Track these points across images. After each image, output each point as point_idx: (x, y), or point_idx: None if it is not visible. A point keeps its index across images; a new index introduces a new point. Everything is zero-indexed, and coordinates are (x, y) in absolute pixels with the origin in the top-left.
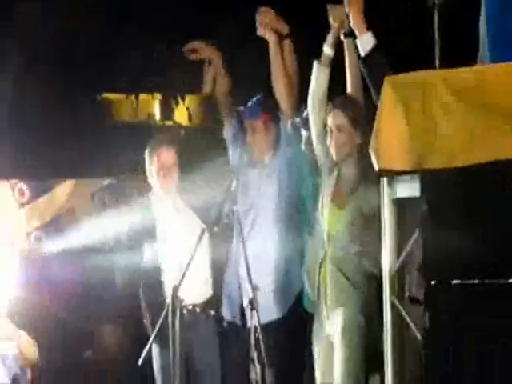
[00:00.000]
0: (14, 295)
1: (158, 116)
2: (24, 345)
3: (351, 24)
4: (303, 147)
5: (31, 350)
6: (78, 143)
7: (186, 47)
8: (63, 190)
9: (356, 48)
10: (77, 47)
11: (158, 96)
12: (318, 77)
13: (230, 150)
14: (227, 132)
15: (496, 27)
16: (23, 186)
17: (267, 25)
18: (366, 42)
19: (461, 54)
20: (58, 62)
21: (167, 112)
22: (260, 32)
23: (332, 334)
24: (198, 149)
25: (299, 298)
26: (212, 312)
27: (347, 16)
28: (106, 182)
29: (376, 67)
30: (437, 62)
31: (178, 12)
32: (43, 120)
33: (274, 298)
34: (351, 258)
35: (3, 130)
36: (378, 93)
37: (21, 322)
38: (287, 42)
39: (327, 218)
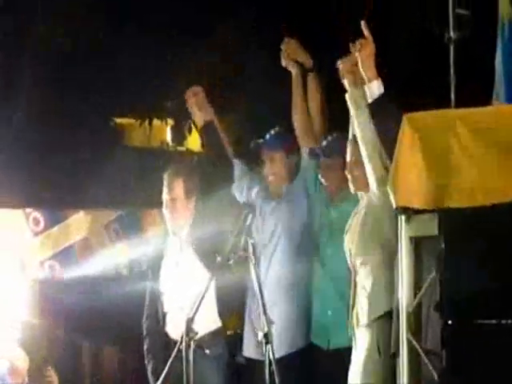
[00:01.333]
0: (26, 321)
1: (170, 142)
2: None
3: (360, 69)
4: (320, 177)
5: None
6: (92, 173)
7: (187, 92)
8: (77, 219)
9: None
10: (90, 72)
11: (171, 122)
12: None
13: (239, 187)
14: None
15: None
16: (38, 215)
17: (290, 56)
18: (373, 88)
19: (476, 90)
20: (72, 89)
21: (180, 138)
22: (284, 63)
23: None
24: (211, 178)
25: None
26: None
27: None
28: (121, 213)
29: (382, 114)
30: (452, 98)
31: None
32: (58, 149)
33: (288, 332)
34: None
35: (19, 159)
36: (385, 138)
37: (33, 346)
38: (311, 76)
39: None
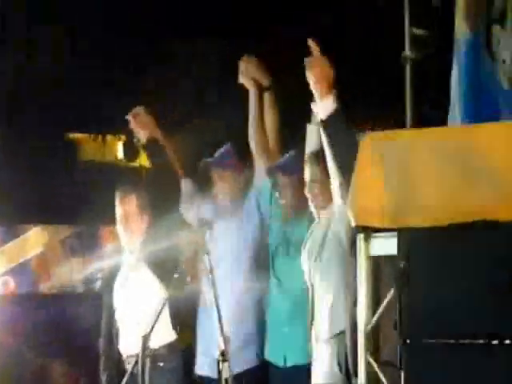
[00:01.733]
0: None
1: (123, 158)
2: None
3: (311, 86)
4: (277, 195)
5: None
6: (48, 188)
7: (129, 114)
8: (33, 235)
9: None
10: (45, 86)
11: (123, 138)
12: (310, 135)
13: (189, 206)
14: (184, 192)
15: (467, 86)
16: None
17: (248, 74)
18: (325, 106)
19: (432, 109)
20: (26, 103)
21: (132, 154)
22: (241, 80)
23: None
24: (162, 194)
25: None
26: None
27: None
28: (77, 229)
29: (335, 132)
30: (408, 118)
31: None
32: (13, 163)
33: (244, 349)
34: (324, 313)
35: None
36: (336, 156)
37: None
38: (268, 94)
39: (304, 269)
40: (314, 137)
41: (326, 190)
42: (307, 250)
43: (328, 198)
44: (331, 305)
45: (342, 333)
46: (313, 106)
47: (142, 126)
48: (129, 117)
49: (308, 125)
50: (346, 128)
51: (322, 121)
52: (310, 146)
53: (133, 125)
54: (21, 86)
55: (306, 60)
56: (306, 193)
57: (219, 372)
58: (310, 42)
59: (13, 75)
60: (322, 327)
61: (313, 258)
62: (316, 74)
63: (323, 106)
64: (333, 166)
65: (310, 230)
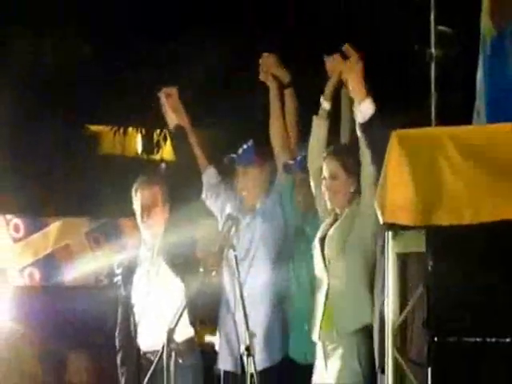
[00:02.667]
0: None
1: (143, 151)
2: None
3: (350, 91)
4: (295, 190)
5: None
6: (70, 181)
7: (161, 92)
8: (58, 227)
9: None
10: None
11: (143, 131)
12: (317, 130)
13: (212, 194)
14: (208, 181)
15: (493, 85)
16: (19, 221)
17: (269, 71)
18: (364, 109)
19: (457, 108)
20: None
21: (153, 147)
22: (261, 77)
23: (329, 381)
24: (183, 187)
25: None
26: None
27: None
28: (102, 220)
29: (374, 133)
30: (433, 116)
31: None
32: (37, 157)
33: (266, 346)
34: (345, 308)
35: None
36: (376, 158)
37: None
38: (288, 91)
39: (317, 266)
40: (321, 130)
41: (345, 186)
42: (328, 244)
43: (347, 195)
44: (352, 301)
45: (365, 328)
46: (321, 100)
47: (173, 109)
48: (161, 95)
49: (315, 117)
50: (384, 130)
51: (361, 124)
52: (316, 139)
53: (164, 105)
54: (41, 79)
55: (345, 65)
56: (323, 189)
57: (243, 367)
58: (347, 47)
59: (33, 68)
60: (342, 322)
61: (334, 252)
62: (354, 79)
63: (362, 110)
64: (368, 165)
65: (324, 225)
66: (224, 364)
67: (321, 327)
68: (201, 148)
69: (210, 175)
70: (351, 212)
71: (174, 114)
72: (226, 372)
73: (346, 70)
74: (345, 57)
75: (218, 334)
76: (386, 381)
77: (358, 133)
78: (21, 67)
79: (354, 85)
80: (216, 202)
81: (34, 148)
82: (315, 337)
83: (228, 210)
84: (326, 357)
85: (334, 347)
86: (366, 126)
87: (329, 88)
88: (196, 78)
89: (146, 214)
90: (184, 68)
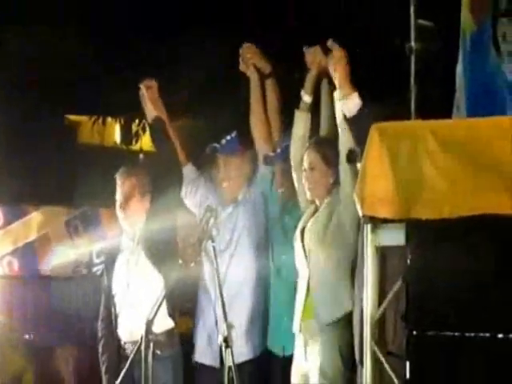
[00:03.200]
0: None
1: (122, 141)
2: None
3: (336, 86)
4: (274, 182)
5: None
6: (50, 170)
7: (142, 84)
8: (38, 216)
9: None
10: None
11: (122, 121)
12: (298, 123)
13: (190, 192)
14: (187, 177)
15: (473, 80)
16: None
17: (249, 61)
18: (351, 104)
19: (437, 102)
20: (27, 87)
21: (132, 137)
22: (242, 68)
23: (310, 373)
24: (162, 178)
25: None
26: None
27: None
28: (81, 209)
29: (361, 127)
30: (412, 109)
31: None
32: (16, 146)
33: (246, 338)
34: (325, 298)
35: None
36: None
37: None
38: (270, 81)
39: (298, 257)
40: (302, 123)
41: (325, 177)
42: (308, 235)
43: (327, 186)
44: (334, 290)
45: (345, 318)
46: (302, 93)
47: (152, 101)
48: (142, 86)
49: (296, 110)
50: (370, 123)
51: (347, 119)
52: (297, 132)
53: (144, 97)
54: (20, 67)
55: (329, 59)
56: (303, 180)
57: (222, 361)
58: (331, 42)
59: (13, 57)
60: (322, 313)
61: (313, 242)
62: (340, 74)
63: (349, 104)
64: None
65: (305, 215)
66: (201, 357)
67: (301, 318)
68: (180, 144)
69: (188, 171)
70: (330, 202)
71: (152, 106)
72: (202, 365)
73: (332, 66)
74: (325, 49)
75: (195, 325)
76: (365, 374)
77: (342, 126)
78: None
79: (341, 80)
80: (195, 197)
81: (13, 137)
82: (296, 328)
83: (207, 203)
84: (306, 347)
85: (314, 338)
86: (353, 120)
87: (309, 80)
88: (176, 65)
89: (124, 205)
90: (165, 56)
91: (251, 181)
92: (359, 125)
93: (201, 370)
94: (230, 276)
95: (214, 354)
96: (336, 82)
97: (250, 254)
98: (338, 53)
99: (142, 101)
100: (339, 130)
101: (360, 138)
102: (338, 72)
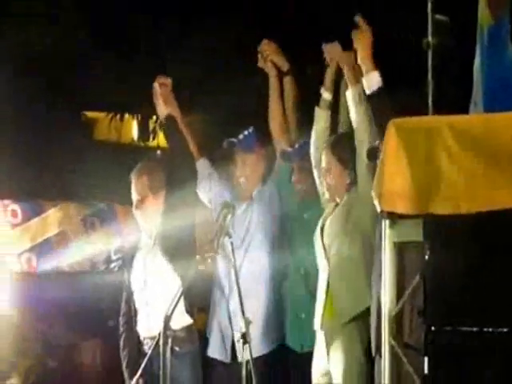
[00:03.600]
0: (2, 313)
1: (139, 137)
2: None
3: (359, 60)
4: (293, 179)
5: None
6: (68, 167)
7: (156, 81)
8: (55, 212)
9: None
10: (63, 68)
11: (139, 117)
12: (318, 119)
13: (205, 186)
14: (201, 173)
15: (490, 75)
16: (16, 207)
17: (268, 58)
18: (372, 80)
19: (454, 97)
20: (45, 84)
21: (149, 133)
22: (260, 64)
23: (332, 371)
24: (177, 174)
25: (283, 334)
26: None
27: (355, 53)
28: (98, 206)
29: (380, 106)
30: (430, 105)
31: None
32: (34, 143)
33: (260, 333)
34: (345, 294)
35: None
36: (380, 131)
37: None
38: (288, 78)
39: (318, 254)
40: (322, 120)
41: (341, 178)
42: (327, 232)
43: (344, 186)
44: (354, 285)
45: (365, 313)
46: (322, 90)
47: (164, 98)
48: (155, 83)
49: (316, 108)
50: (389, 105)
51: (368, 96)
52: (318, 129)
53: (157, 95)
54: (40, 65)
55: (354, 33)
56: (321, 181)
57: (233, 356)
58: (359, 18)
59: (32, 55)
60: (343, 309)
61: (332, 239)
62: (364, 48)
63: (370, 80)
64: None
65: (325, 213)
66: (213, 352)
67: (322, 315)
68: (193, 139)
69: (202, 167)
70: (349, 200)
71: (164, 103)
72: (215, 360)
73: (357, 38)
74: (343, 46)
75: (209, 321)
76: (383, 369)
77: (365, 105)
78: (19, 53)
79: (364, 54)
80: (209, 193)
81: (31, 134)
82: (317, 325)
83: (222, 199)
84: (328, 346)
85: (335, 336)
86: (372, 97)
87: (328, 77)
88: (195, 65)
89: (139, 202)
90: (182, 55)
91: (266, 178)
92: (378, 103)
93: (213, 365)
94: (244, 272)
95: (226, 350)
96: (358, 57)
97: (264, 251)
98: (364, 27)
99: (154, 98)
100: (354, 124)
101: (379, 116)
102: (362, 46)
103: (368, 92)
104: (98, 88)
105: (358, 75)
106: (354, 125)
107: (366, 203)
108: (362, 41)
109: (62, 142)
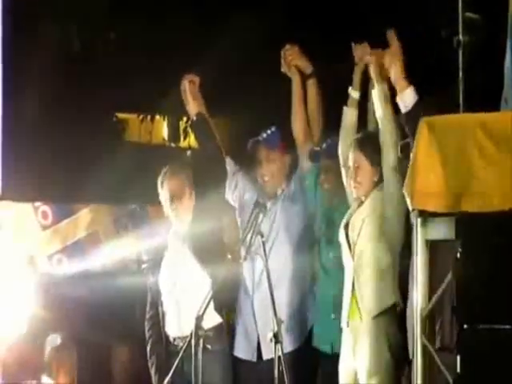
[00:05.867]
0: (33, 315)
1: (169, 139)
2: None
3: (392, 80)
4: (321, 179)
5: None
6: (98, 168)
7: (184, 79)
8: (86, 214)
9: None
10: (93, 68)
11: (170, 118)
12: (346, 119)
13: (229, 185)
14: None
15: None
16: (47, 208)
17: (291, 62)
18: (407, 98)
19: (485, 94)
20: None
21: (179, 134)
22: (284, 69)
23: (359, 371)
24: (207, 173)
25: (310, 334)
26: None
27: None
28: (130, 207)
29: (416, 120)
30: (461, 102)
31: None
32: (65, 144)
33: (288, 329)
34: (370, 292)
35: (28, 154)
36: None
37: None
38: (311, 81)
39: (344, 251)
40: (351, 119)
41: (369, 176)
42: (352, 228)
43: (372, 184)
44: (379, 283)
45: (391, 310)
46: (350, 90)
47: (193, 96)
48: (185, 81)
49: (344, 107)
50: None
51: (403, 114)
52: (346, 128)
53: (186, 92)
54: (68, 67)
55: (386, 52)
56: (349, 178)
57: (259, 355)
58: (390, 34)
59: (61, 56)
60: (367, 306)
61: (358, 236)
62: (396, 68)
63: (405, 98)
64: (390, 151)
65: (350, 210)
66: (238, 351)
67: (348, 314)
68: (218, 137)
69: (228, 165)
70: (375, 197)
71: (194, 102)
72: (240, 359)
73: (390, 58)
74: (372, 45)
75: (235, 320)
76: (415, 368)
77: (403, 123)
78: (50, 54)
79: (397, 74)
80: (234, 192)
81: (62, 136)
82: (343, 323)
83: (246, 198)
84: (354, 345)
85: (362, 335)
86: (408, 115)
87: (357, 76)
88: (219, 65)
89: (174, 203)
90: (208, 55)
91: (290, 177)
92: (415, 120)
93: (239, 364)
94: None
95: (251, 349)
96: (391, 77)
97: (289, 249)
98: (394, 45)
99: (184, 96)
100: (379, 122)
101: (414, 132)
102: (394, 66)
103: (403, 111)
104: (128, 89)
105: (384, 74)
106: (379, 124)
107: (392, 202)
108: (394, 61)
109: (93, 144)
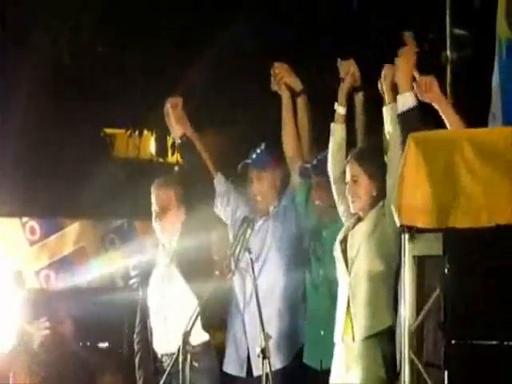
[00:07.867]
0: (20, 330)
1: (156, 154)
2: None
3: (396, 76)
4: (312, 195)
5: None
6: (86, 183)
7: (167, 102)
8: (74, 229)
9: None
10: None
11: (158, 133)
12: (334, 135)
13: (222, 203)
14: (217, 189)
15: (508, 88)
16: (34, 224)
17: (281, 80)
18: (405, 100)
19: (473, 110)
20: (64, 100)
21: (166, 150)
22: (274, 87)
23: None
24: (195, 191)
25: (301, 350)
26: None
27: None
28: (117, 223)
29: (409, 125)
30: None
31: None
32: (53, 159)
33: (278, 347)
34: (366, 310)
35: (16, 169)
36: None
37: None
38: (301, 99)
39: (339, 267)
40: (339, 135)
41: (368, 190)
42: (350, 244)
43: (370, 199)
44: (375, 301)
45: (387, 330)
46: (336, 106)
47: (177, 120)
48: (168, 105)
49: (332, 123)
50: (422, 126)
51: (398, 114)
52: (335, 144)
53: (169, 116)
54: (57, 81)
55: (400, 50)
56: (346, 193)
57: (249, 371)
58: (407, 35)
59: (50, 71)
60: (364, 324)
61: (356, 252)
62: (405, 68)
63: (403, 100)
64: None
65: (345, 226)
66: (228, 367)
67: (343, 331)
68: (208, 155)
69: (218, 183)
70: (375, 214)
71: (177, 125)
72: (230, 375)
73: (401, 57)
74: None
75: (226, 336)
76: (403, 383)
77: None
78: (39, 68)
79: (403, 72)
80: (226, 208)
81: (49, 151)
82: (337, 339)
83: (239, 214)
84: (347, 359)
85: (356, 350)
86: (402, 118)
87: (342, 92)
88: (207, 83)
89: (160, 216)
90: (197, 71)
91: (282, 194)
92: (408, 123)
93: (229, 380)
94: (259, 288)
95: (241, 365)
96: (396, 74)
97: (280, 267)
98: (410, 46)
99: (167, 120)
100: (388, 137)
101: (403, 135)
102: (403, 65)
103: (398, 111)
104: (116, 104)
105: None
106: (389, 138)
107: (392, 217)
108: (405, 60)
109: (80, 159)
